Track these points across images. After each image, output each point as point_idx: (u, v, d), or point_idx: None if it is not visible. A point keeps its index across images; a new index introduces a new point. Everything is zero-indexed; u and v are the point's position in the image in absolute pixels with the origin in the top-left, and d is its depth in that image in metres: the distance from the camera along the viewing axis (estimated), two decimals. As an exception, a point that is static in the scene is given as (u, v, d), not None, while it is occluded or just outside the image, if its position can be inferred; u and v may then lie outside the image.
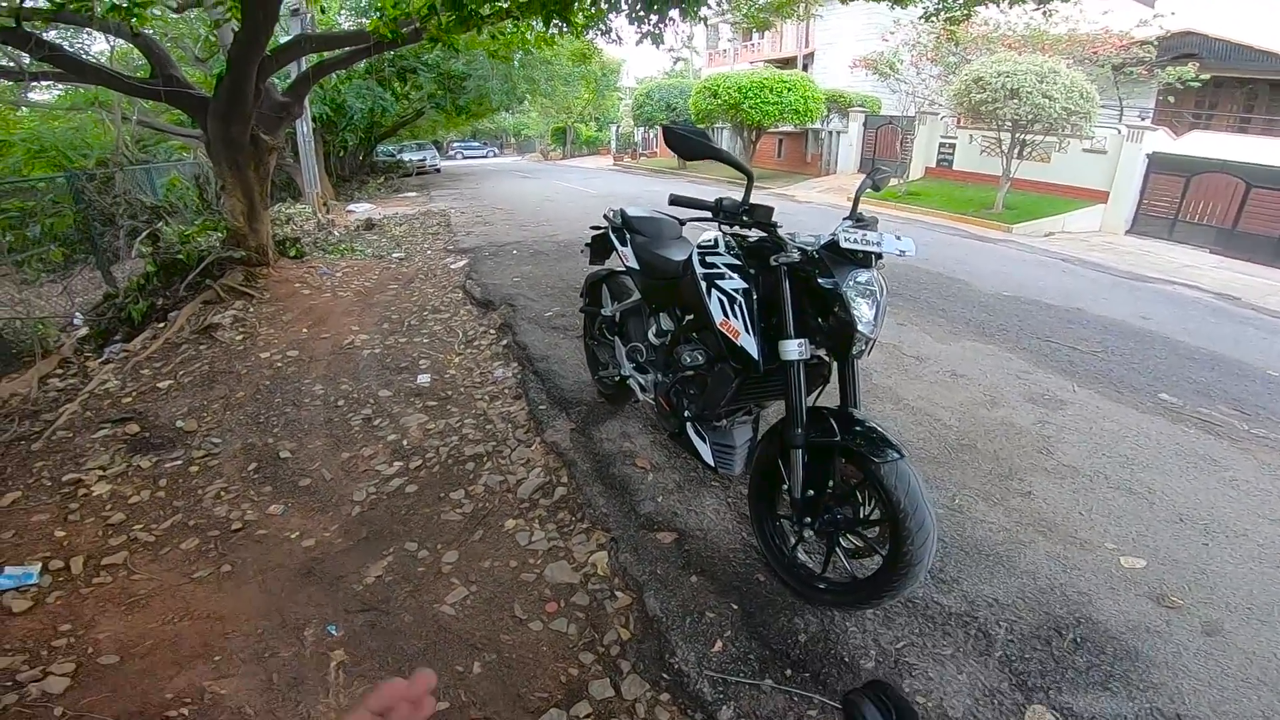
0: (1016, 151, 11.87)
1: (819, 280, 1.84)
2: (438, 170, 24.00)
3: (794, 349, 1.89)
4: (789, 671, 1.89)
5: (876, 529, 1.92)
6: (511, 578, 2.30)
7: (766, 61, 24.85)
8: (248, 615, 2.15)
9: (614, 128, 34.48)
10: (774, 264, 1.92)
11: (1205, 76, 13.45)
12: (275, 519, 2.69)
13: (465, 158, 38.26)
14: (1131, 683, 1.85)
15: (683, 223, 2.87)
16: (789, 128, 19.69)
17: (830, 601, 2.04)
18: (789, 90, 17.30)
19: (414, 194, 15.86)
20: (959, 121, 14.72)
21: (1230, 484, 2.98)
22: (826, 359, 2.07)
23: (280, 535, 2.58)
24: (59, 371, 4.32)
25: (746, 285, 2.02)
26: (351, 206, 12.38)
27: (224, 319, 4.96)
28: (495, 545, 2.48)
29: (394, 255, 7.63)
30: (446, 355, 4.39)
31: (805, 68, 23.76)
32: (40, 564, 2.37)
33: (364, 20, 11.52)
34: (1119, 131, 12.37)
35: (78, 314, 5.67)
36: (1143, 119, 13.68)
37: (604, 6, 5.77)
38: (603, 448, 3.07)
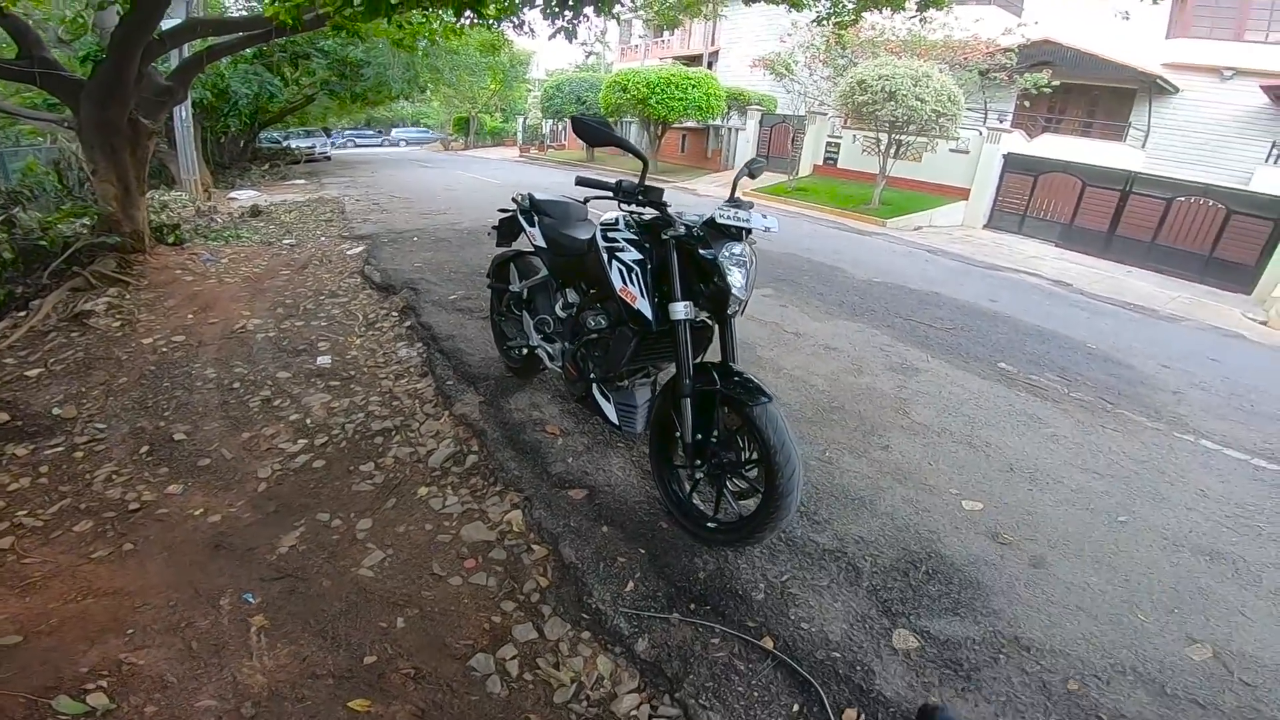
0: (893, 151, 12.82)
1: (700, 251, 2.12)
2: (327, 158, 22.89)
3: (681, 310, 2.17)
4: (693, 606, 2.11)
5: (756, 470, 2.21)
6: (428, 540, 2.39)
7: (675, 58, 25.30)
8: (157, 589, 2.13)
9: (521, 119, 33.91)
10: (664, 238, 2.20)
11: (1057, 83, 14.94)
12: (175, 498, 2.64)
13: (356, 146, 36.40)
14: (976, 609, 2.13)
15: (586, 201, 3.08)
16: (693, 124, 20.23)
17: (722, 540, 2.31)
18: (694, 87, 17.80)
19: (303, 181, 15.02)
20: (845, 122, 15.67)
21: (1051, 439, 3.49)
22: (709, 322, 2.37)
23: (183, 513, 2.54)
24: (-101, 364, 3.95)
25: (641, 257, 2.29)
26: (234, 193, 11.64)
27: (97, 306, 4.66)
28: (409, 511, 2.56)
29: (284, 242, 7.32)
30: (347, 338, 4.36)
31: (710, 65, 24.47)
32: None
33: (256, 4, 10.91)
34: (980, 133, 13.64)
35: (-76, 304, 5.14)
36: (1001, 121, 15.18)
37: (517, 1, 5.85)
38: (512, 417, 3.21)
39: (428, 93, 21.65)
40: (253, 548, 2.35)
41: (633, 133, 23.75)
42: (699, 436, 2.25)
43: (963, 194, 13.64)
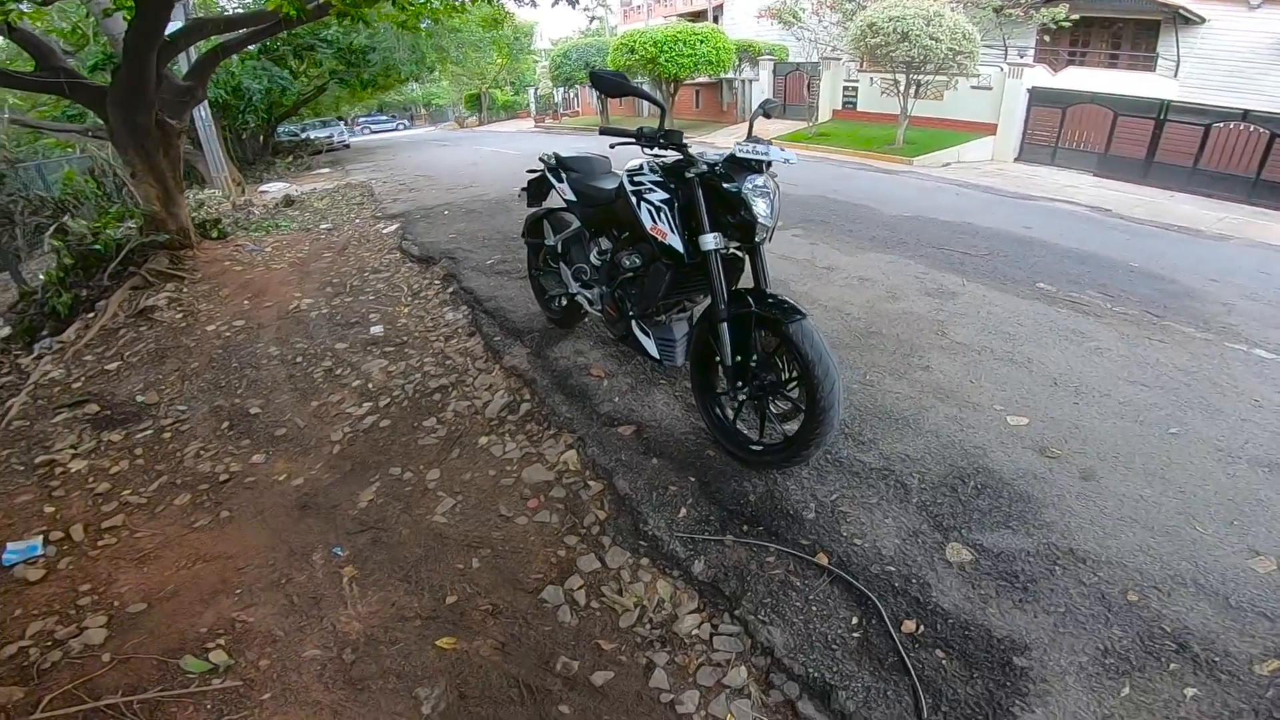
0: (912, 91, 12.53)
1: (724, 186, 2.21)
2: (346, 146, 23.10)
3: (711, 240, 2.27)
4: (745, 527, 2.18)
5: (796, 390, 2.28)
6: (492, 485, 2.53)
7: (679, 15, 24.93)
8: (256, 550, 2.29)
9: (532, 90, 33.74)
10: (688, 176, 2.29)
11: (1075, 17, 14.45)
12: (260, 467, 2.81)
13: (372, 132, 36.56)
14: (1028, 521, 2.12)
15: (614, 147, 3.16)
16: (705, 79, 20.00)
17: (768, 461, 2.37)
18: (702, 42, 17.58)
19: (327, 170, 15.26)
20: (860, 65, 15.33)
21: (1095, 352, 3.43)
22: (739, 254, 2.45)
23: (269, 480, 2.72)
24: (-11, 372, 4.19)
25: (668, 196, 2.39)
26: (264, 187, 11.93)
27: (159, 301, 4.90)
28: (472, 460, 2.70)
29: (321, 227, 7.52)
30: (395, 308, 4.54)
31: (716, 20, 23.97)
32: (40, 537, 2.43)
33: (250, 1, 11.02)
34: (1002, 69, 13.25)
35: (-6, 316, 5.46)
36: (1022, 57, 14.69)
37: None
38: (559, 365, 3.34)
39: (436, 73, 21.63)
40: (335, 505, 2.50)
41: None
42: (738, 359, 2.34)
43: (989, 129, 13.34)
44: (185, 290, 5.14)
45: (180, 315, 4.65)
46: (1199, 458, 2.52)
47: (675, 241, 2.36)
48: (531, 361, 3.43)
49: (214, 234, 6.69)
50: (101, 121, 5.93)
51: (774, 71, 18.94)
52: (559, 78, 23.78)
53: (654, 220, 2.41)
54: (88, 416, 3.35)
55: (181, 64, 7.54)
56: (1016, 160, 13.14)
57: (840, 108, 16.57)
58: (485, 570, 2.12)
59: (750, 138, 2.30)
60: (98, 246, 5.57)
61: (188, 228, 6.09)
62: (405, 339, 3.98)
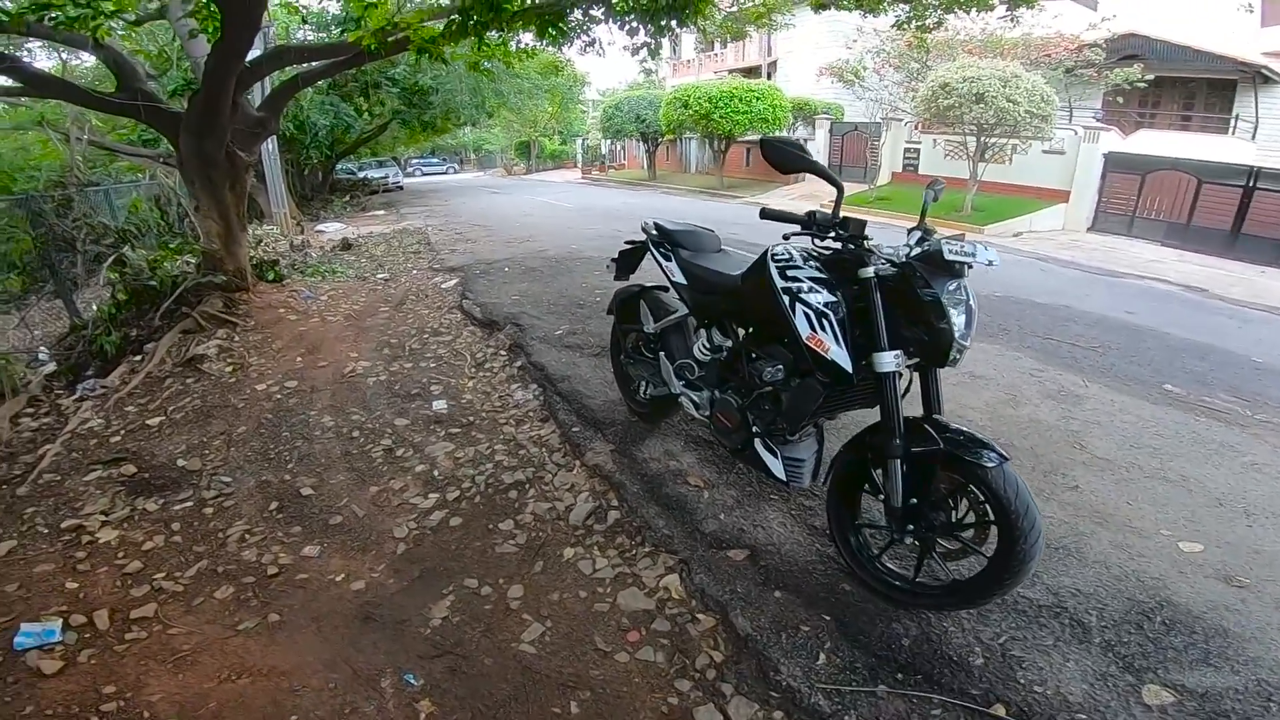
0: (980, 154, 12.21)
1: (919, 291, 1.83)
2: (400, 187, 23.76)
3: (890, 361, 1.89)
4: (900, 675, 1.88)
5: (971, 531, 1.92)
6: (584, 609, 2.21)
7: (730, 71, 25.30)
8: (312, 668, 2.00)
9: (580, 140, 34.45)
10: (864, 276, 1.91)
11: (1149, 77, 14.10)
12: (313, 561, 2.51)
13: (424, 174, 37.67)
14: (1230, 658, 1.90)
15: (786, 237, 2.60)
16: (757, 136, 19.98)
17: (930, 605, 2.02)
18: (758, 99, 17.67)
19: (382, 212, 15.52)
20: (919, 126, 15.11)
21: (1252, 468, 3.07)
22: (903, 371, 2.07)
23: (324, 579, 2.41)
24: (29, 410, 4.02)
25: (834, 299, 1.99)
26: (321, 226, 12.05)
27: (208, 349, 4.70)
28: (559, 576, 2.37)
29: (378, 276, 7.39)
30: (459, 380, 4.22)
31: (769, 76, 24.24)
32: (60, 619, 2.17)
33: (323, 35, 11.31)
34: (1076, 133, 12.85)
35: (43, 348, 5.33)
36: (1096, 119, 14.29)
37: (598, 15, 5.73)
38: (649, 468, 2.97)
39: (492, 118, 22.16)
40: (404, 620, 2.19)
41: (693, 148, 23.67)
42: (913, 500, 1.95)
43: (1059, 196, 12.84)
44: (237, 339, 4.95)
45: (230, 368, 4.44)
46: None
47: (841, 357, 1.95)
48: (617, 461, 3.05)
49: (270, 276, 6.55)
50: (173, 149, 5.87)
51: (831, 131, 18.87)
52: (609, 129, 24.04)
53: (814, 328, 1.99)
54: (123, 478, 3.13)
55: (254, 97, 7.59)
56: (1090, 230, 12.57)
57: (901, 170, 16.24)
58: (585, 717, 1.82)
59: (920, 228, 1.94)
60: (153, 282, 5.43)
61: (245, 269, 5.94)
62: (472, 419, 3.65)
